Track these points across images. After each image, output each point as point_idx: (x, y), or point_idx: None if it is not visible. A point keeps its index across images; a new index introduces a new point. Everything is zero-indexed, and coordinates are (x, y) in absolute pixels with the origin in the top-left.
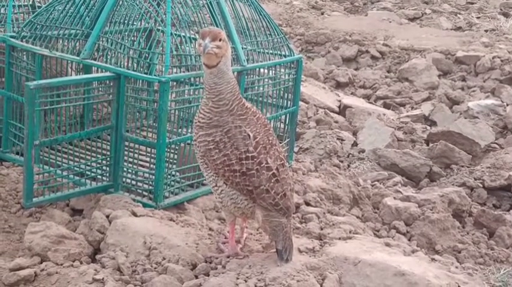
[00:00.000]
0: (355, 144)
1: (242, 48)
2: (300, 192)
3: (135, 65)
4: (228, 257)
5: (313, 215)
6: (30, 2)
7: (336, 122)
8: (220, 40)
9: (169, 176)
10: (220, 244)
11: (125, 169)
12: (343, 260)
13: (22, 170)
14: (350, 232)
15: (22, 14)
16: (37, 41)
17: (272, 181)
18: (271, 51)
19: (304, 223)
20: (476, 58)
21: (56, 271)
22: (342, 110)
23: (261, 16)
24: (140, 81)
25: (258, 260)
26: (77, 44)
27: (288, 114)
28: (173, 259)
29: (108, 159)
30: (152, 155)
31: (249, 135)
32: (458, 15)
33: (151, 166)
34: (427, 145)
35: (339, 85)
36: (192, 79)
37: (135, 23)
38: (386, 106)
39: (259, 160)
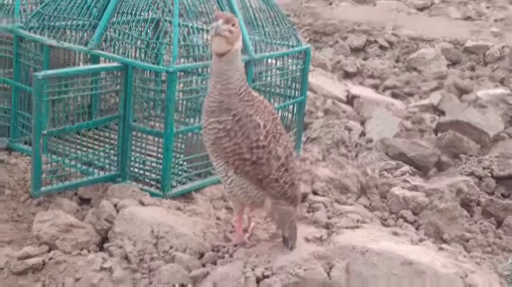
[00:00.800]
0: (363, 134)
1: (250, 38)
2: (308, 181)
3: (142, 55)
4: (235, 246)
5: (321, 205)
6: None
7: (344, 112)
8: (233, 25)
9: (176, 166)
10: (227, 233)
11: (133, 159)
12: (350, 249)
13: (30, 160)
14: (357, 221)
15: (30, 5)
16: (45, 31)
17: (281, 170)
18: (279, 42)
19: (312, 212)
20: (485, 48)
21: (64, 260)
22: (350, 100)
23: (268, 6)
24: (148, 71)
25: (265, 249)
26: (85, 34)
27: (295, 104)
28: (180, 248)
29: (116, 149)
30: (160, 145)
31: (259, 124)
32: (467, 4)
33: (159, 155)
34: (436, 134)
35: (347, 75)
36: (200, 69)
37: (142, 13)
38: (394, 96)
39: (269, 149)
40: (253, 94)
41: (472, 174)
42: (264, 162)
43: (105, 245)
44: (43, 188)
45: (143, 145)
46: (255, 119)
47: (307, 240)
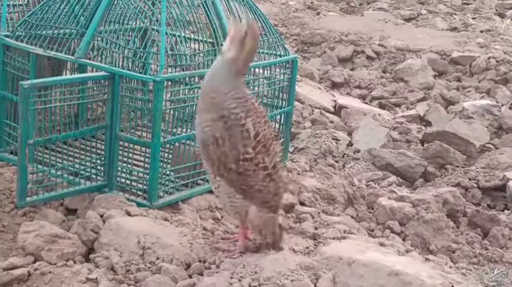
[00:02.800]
0: (350, 144)
1: None
2: (295, 192)
3: (130, 64)
4: (241, 253)
5: (308, 215)
6: (25, 2)
7: (331, 122)
8: None
9: (163, 176)
10: (229, 243)
11: (120, 169)
12: (337, 260)
13: (16, 170)
14: (344, 231)
15: (17, 13)
16: (32, 40)
17: (266, 180)
18: (266, 51)
19: (299, 223)
20: (471, 59)
21: (50, 271)
22: (338, 110)
23: (256, 16)
24: (135, 80)
25: (252, 259)
26: (72, 43)
27: (283, 114)
28: (167, 259)
29: (103, 158)
30: (147, 155)
31: (249, 135)
32: (453, 15)
33: (146, 165)
34: (422, 145)
35: (335, 85)
36: (187, 79)
37: (130, 22)
38: (381, 106)
39: (257, 160)
40: (245, 91)
41: (458, 185)
42: (250, 174)
43: (91, 256)
44: (28, 199)
45: (130, 155)
46: (247, 127)
47: (294, 251)
